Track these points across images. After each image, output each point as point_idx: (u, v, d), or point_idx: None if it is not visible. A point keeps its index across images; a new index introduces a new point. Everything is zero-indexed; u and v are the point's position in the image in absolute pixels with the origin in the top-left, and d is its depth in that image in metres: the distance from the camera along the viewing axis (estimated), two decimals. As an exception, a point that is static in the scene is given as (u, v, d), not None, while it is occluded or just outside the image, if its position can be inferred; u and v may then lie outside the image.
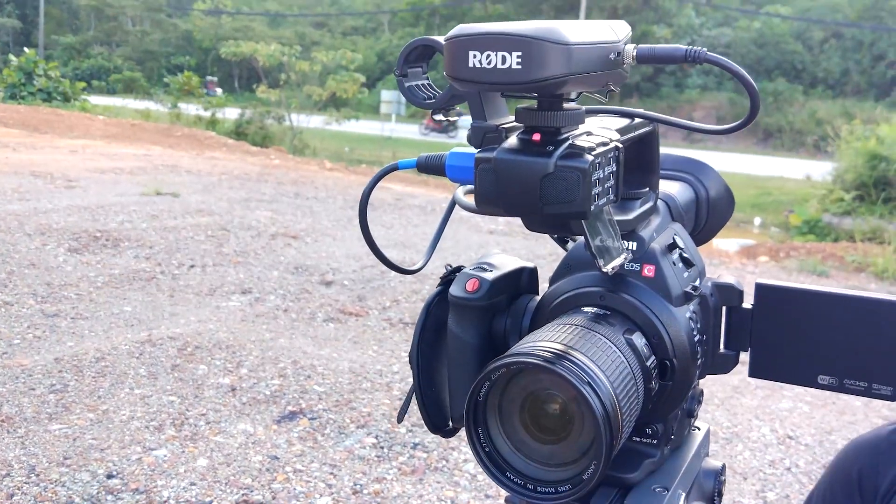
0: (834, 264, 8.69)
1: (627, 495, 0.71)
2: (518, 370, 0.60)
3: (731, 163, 24.76)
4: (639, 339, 0.66)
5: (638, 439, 0.73)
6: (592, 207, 0.56)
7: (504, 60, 0.54)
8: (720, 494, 0.82)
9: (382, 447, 3.33)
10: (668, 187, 0.80)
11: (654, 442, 0.73)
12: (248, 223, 7.38)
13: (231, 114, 21.55)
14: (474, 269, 0.75)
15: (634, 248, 0.70)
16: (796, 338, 0.75)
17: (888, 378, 0.72)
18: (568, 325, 0.63)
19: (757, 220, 16.29)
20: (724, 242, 12.17)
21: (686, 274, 0.73)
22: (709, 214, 0.85)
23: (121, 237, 6.42)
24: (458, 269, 0.76)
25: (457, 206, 0.70)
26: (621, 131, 0.66)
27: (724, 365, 0.76)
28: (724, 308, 0.76)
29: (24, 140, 12.72)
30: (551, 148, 0.56)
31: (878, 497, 1.15)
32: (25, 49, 24.30)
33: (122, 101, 26.54)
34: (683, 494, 0.73)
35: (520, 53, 0.54)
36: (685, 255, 0.74)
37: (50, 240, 6.15)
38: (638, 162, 0.73)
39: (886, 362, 0.72)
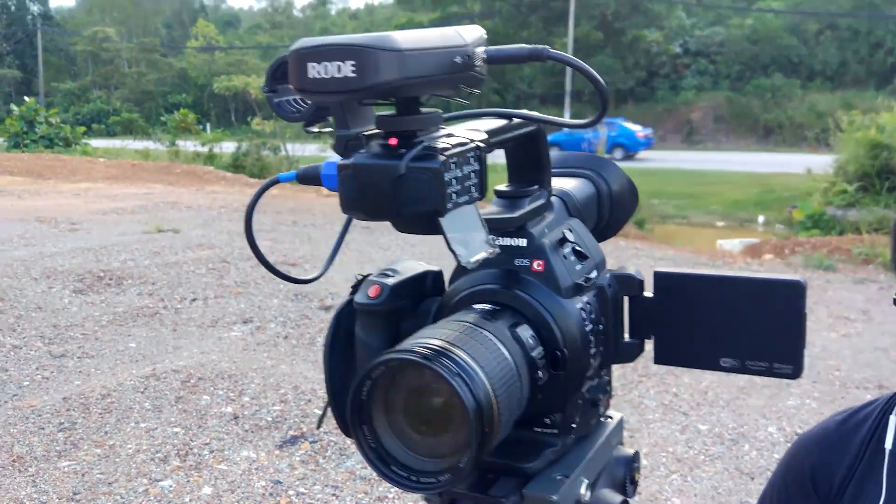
0: (841, 258, 8.60)
1: (527, 485, 0.72)
2: (399, 367, 0.62)
3: (732, 161, 24.74)
4: (524, 332, 0.68)
5: (539, 430, 0.74)
6: (450, 206, 0.59)
7: (339, 69, 0.57)
8: (633, 482, 0.82)
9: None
10: (564, 184, 0.82)
11: (555, 431, 0.74)
12: (247, 254, 7.45)
13: (228, 148, 21.75)
14: (378, 275, 0.77)
15: (525, 244, 0.72)
16: (697, 322, 0.76)
17: (788, 357, 0.73)
18: (454, 322, 0.66)
19: (760, 219, 16.23)
20: (728, 243, 12.15)
21: (579, 266, 0.74)
22: (612, 208, 0.86)
23: (124, 275, 6.50)
24: (367, 277, 0.79)
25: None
26: (494, 132, 0.68)
27: (628, 353, 0.77)
28: (625, 298, 0.77)
29: (28, 187, 12.89)
30: (404, 151, 0.59)
31: (833, 491, 1.13)
32: (26, 98, 24.63)
33: (121, 142, 26.82)
34: (586, 481, 0.73)
35: (353, 62, 0.57)
36: (578, 248, 0.75)
37: (55, 282, 6.24)
38: (526, 161, 0.75)
39: (785, 341, 0.73)
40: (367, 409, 0.63)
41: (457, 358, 0.60)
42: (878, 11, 34.33)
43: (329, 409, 0.79)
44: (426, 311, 0.77)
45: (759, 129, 33.09)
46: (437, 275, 0.81)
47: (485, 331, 0.66)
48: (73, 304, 5.73)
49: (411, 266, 0.80)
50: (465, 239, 0.62)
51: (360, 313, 0.76)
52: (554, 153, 0.87)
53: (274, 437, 3.59)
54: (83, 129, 24.04)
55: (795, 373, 0.74)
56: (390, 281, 0.76)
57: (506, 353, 0.65)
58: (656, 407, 4.12)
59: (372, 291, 0.75)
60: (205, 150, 21.52)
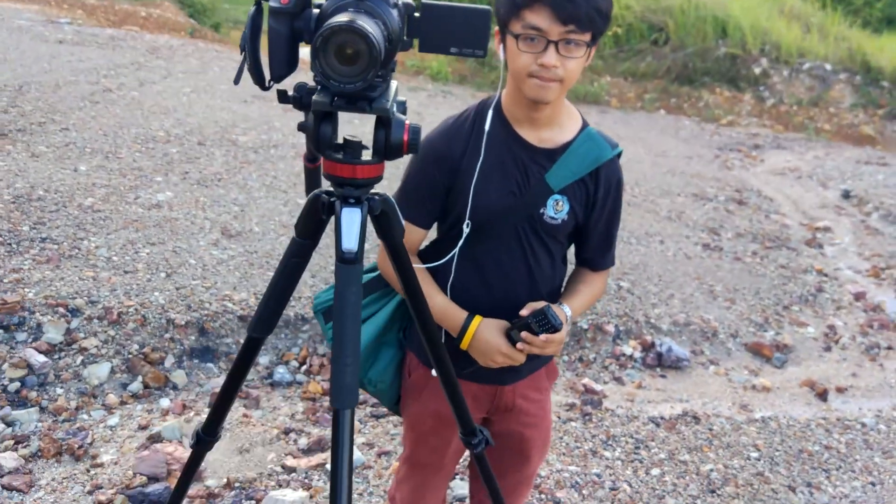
0: (399, 70, 9.85)
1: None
2: (333, 32, 1.10)
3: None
4: (393, 10, 1.21)
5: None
6: None
7: None
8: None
9: (10, 244, 3.45)
10: None
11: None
12: None
13: None
14: None
15: None
16: (443, 28, 1.28)
17: (479, 44, 1.30)
18: (350, 9, 1.16)
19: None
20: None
21: None
22: None
23: None
24: None
25: None
26: None
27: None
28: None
29: None
30: None
31: (455, 161, 1.70)
32: None
33: None
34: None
35: None
36: None
37: None
38: None
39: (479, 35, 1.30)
40: (320, 51, 1.12)
41: (362, 26, 1.11)
42: None
43: (246, 66, 1.25)
44: (308, 16, 1.21)
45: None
46: None
47: (371, 14, 1.18)
48: None
49: None
50: None
51: (274, 13, 1.21)
52: None
53: None
54: None
55: (485, 53, 1.30)
56: None
57: (385, 21, 1.18)
58: (260, 187, 4.73)
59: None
60: None
